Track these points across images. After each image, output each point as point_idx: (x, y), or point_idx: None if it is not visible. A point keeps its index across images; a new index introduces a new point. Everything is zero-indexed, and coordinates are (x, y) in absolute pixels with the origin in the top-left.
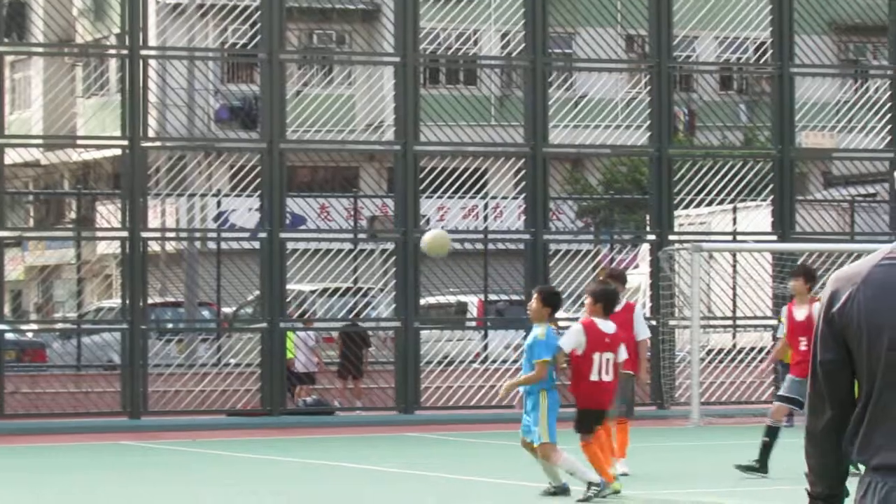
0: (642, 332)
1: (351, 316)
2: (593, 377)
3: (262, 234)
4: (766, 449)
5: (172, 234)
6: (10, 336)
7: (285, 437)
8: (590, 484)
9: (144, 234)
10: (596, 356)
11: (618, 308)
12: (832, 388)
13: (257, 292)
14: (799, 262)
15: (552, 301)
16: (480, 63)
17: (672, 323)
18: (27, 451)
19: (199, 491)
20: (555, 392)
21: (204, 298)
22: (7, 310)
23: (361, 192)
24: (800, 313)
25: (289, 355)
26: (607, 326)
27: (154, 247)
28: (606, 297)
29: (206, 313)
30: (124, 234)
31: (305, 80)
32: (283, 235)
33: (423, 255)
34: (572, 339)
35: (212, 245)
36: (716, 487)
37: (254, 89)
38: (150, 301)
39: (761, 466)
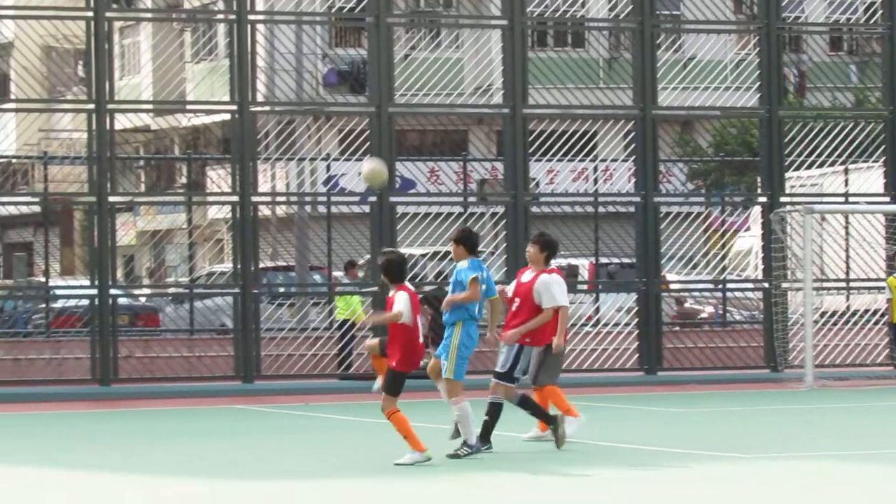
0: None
1: (439, 280)
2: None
3: (372, 198)
4: None
5: (283, 199)
6: (123, 301)
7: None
8: (465, 443)
9: (255, 199)
10: None
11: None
12: None
13: (368, 256)
14: None
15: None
16: (588, 25)
17: (785, 285)
18: (141, 414)
19: (312, 453)
20: (473, 326)
21: (315, 262)
22: (119, 274)
23: (471, 155)
24: None
25: (340, 315)
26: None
27: (265, 211)
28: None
29: (317, 277)
30: (235, 198)
31: (413, 43)
32: (392, 199)
33: (523, 215)
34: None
35: (322, 209)
36: (832, 451)
37: (362, 53)
38: (261, 265)
39: None
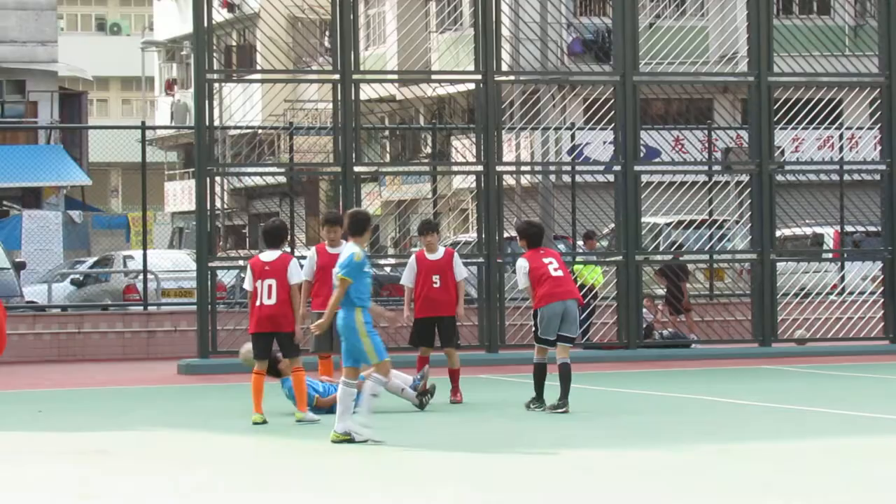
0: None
1: (673, 248)
2: None
3: (617, 167)
4: None
5: (527, 168)
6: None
7: (640, 371)
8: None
9: (499, 168)
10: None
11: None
12: None
13: (612, 225)
14: None
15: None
16: None
17: None
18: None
19: (559, 421)
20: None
21: (559, 232)
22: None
23: (715, 123)
24: None
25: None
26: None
27: (509, 180)
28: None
29: (561, 247)
30: (479, 168)
31: (658, 11)
32: (637, 168)
33: (768, 183)
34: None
35: (566, 178)
36: None
37: (606, 22)
38: (506, 235)
39: None
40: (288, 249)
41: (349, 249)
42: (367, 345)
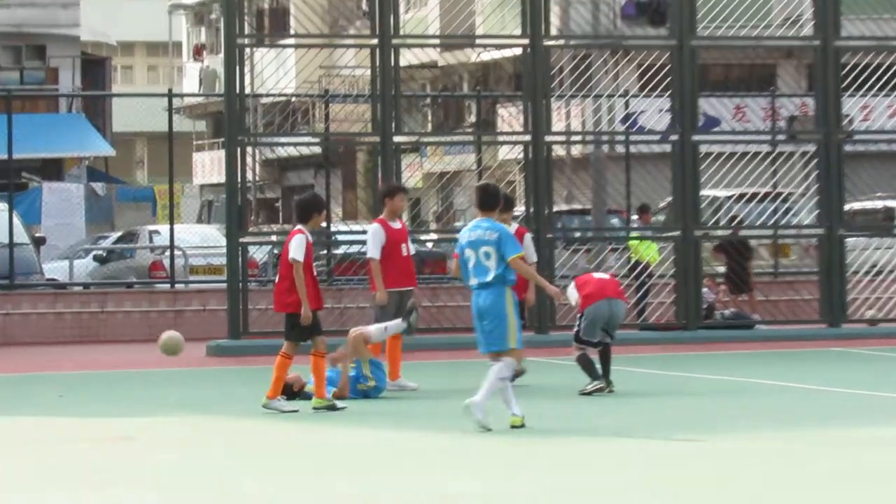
0: None
1: (734, 224)
2: None
3: (674, 137)
4: None
5: (578, 138)
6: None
7: (700, 353)
8: None
9: (548, 138)
10: None
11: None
12: None
13: (669, 198)
14: None
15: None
16: None
17: None
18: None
19: (612, 403)
20: None
21: (612, 206)
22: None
23: (779, 90)
24: None
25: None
26: None
27: (559, 151)
28: None
29: (615, 221)
30: (527, 137)
31: None
32: (695, 138)
33: (836, 153)
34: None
35: (620, 149)
36: None
37: None
38: (555, 208)
39: None
40: (324, 224)
41: (492, 223)
42: (513, 327)
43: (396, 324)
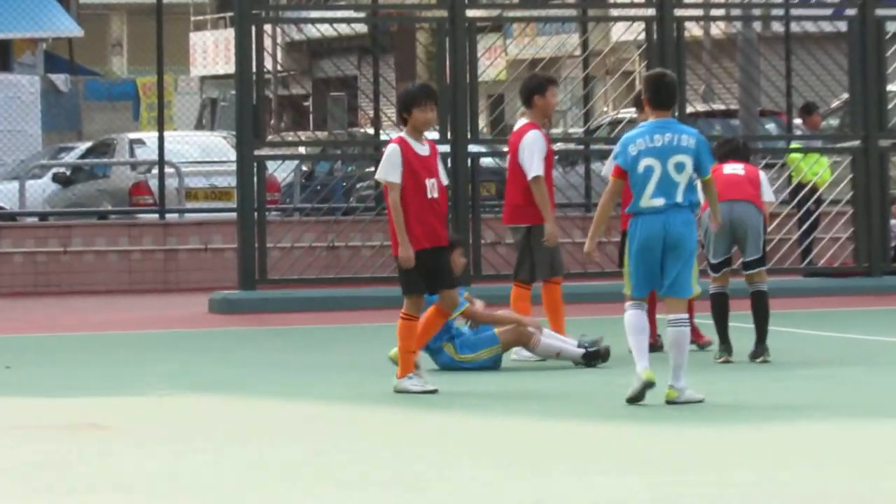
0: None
1: None
2: None
3: (850, 11)
4: None
5: (720, 12)
6: (487, 162)
7: (890, 307)
8: None
9: (679, 13)
10: None
11: None
12: None
13: (845, 96)
14: None
15: None
16: None
17: None
18: None
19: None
20: None
21: (767, 106)
22: (482, 123)
23: None
24: None
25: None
26: None
27: (693, 30)
28: None
29: (770, 126)
30: (650, 11)
31: None
32: (880, 12)
33: None
34: None
35: (777, 27)
36: None
37: None
38: (688, 109)
39: None
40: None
41: (682, 126)
42: (696, 267)
43: (574, 353)
